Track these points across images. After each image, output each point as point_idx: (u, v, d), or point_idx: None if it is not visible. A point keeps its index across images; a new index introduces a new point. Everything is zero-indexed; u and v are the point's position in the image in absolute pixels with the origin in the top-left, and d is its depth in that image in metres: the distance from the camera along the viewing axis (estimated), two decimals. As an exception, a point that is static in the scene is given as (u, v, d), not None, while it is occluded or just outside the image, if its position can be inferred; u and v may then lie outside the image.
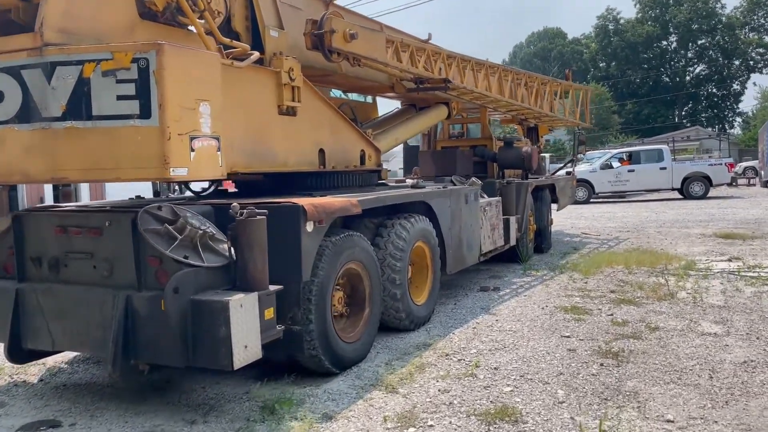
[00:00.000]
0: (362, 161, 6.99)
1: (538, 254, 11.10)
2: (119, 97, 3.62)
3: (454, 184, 8.58)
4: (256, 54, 5.13)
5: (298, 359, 4.87)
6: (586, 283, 8.26)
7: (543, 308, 6.91)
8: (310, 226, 4.61)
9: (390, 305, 5.95)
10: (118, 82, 3.61)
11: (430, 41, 9.00)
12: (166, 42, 3.67)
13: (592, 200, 24.77)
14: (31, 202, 18.71)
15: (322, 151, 6.27)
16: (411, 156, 11.41)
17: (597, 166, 24.79)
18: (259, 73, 5.44)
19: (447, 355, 5.37)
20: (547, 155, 37.63)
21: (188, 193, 6.31)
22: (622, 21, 68.42)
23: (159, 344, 4.00)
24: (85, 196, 21.12)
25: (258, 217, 4.17)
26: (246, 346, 3.94)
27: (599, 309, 6.77)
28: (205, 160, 3.93)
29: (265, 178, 6.34)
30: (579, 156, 14.76)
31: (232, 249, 4.20)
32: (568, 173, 14.50)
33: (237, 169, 5.20)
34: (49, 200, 19.15)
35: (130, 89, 3.60)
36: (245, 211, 4.14)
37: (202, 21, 4.59)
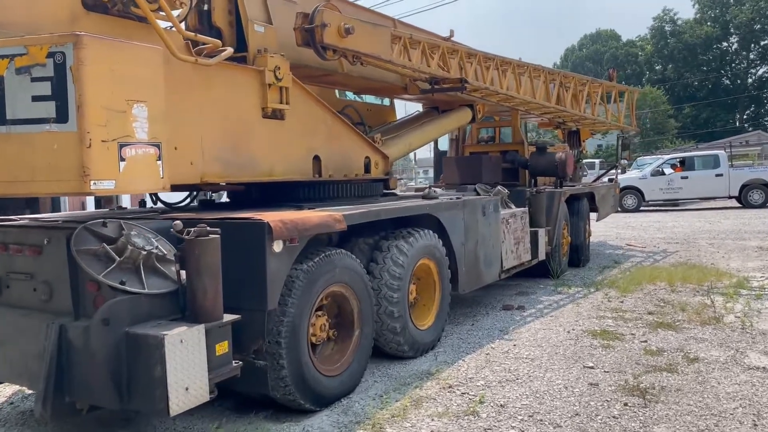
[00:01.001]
0: (367, 169, 6.38)
1: (575, 268, 10.23)
2: (34, 98, 3.10)
3: (478, 193, 7.90)
4: (228, 50, 4.57)
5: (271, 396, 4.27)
6: (622, 302, 7.43)
7: (569, 332, 6.18)
8: (278, 246, 4.01)
9: (387, 332, 5.30)
10: (33, 80, 3.09)
11: (451, 38, 8.35)
12: (85, 33, 3.13)
13: (642, 208, 23.37)
14: (73, 208, 18.66)
15: (317, 159, 5.69)
16: (441, 163, 10.73)
17: (647, 173, 23.43)
18: (238, 72, 4.90)
19: (450, 387, 4.72)
20: (597, 161, 36.18)
21: (160, 205, 5.78)
22: (679, 22, 65.92)
23: (90, 382, 3.47)
24: (126, 201, 20.99)
25: (210, 236, 3.60)
26: (187, 388, 3.36)
27: (632, 334, 6.00)
28: (140, 170, 3.38)
29: (251, 188, 5.82)
30: (623, 162, 13.74)
31: (182, 273, 3.64)
32: (610, 180, 13.52)
33: (209, 179, 4.67)
34: (90, 206, 19.04)
35: (45, 89, 3.08)
36: (192, 230, 3.58)
37: (162, 13, 4.05)
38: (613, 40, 74.40)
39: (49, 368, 3.57)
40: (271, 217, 4.06)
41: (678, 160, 23.73)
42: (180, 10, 4.31)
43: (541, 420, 4.05)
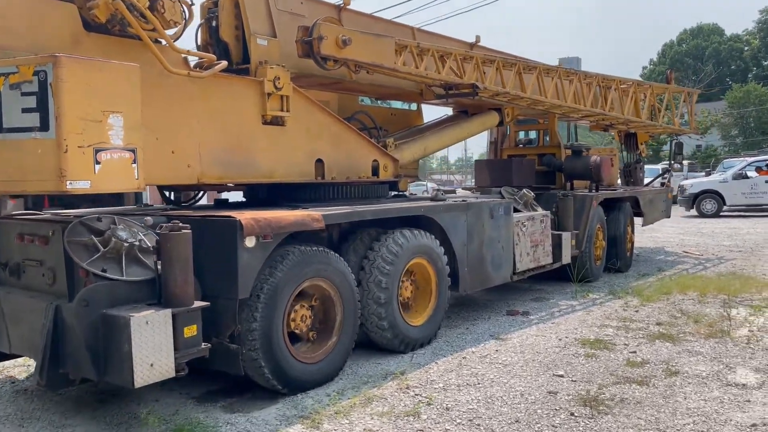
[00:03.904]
0: (375, 172, 6.69)
1: (613, 274, 10.08)
2: (24, 110, 3.66)
3: (502, 196, 8.05)
4: (222, 63, 5.03)
5: (247, 375, 4.69)
6: (637, 311, 7.31)
7: (561, 339, 6.17)
8: (250, 242, 4.42)
9: (376, 326, 5.61)
10: (23, 95, 3.65)
11: (478, 44, 8.52)
12: (63, 54, 3.65)
13: (722, 214, 22.11)
14: (154, 201, 20.00)
15: (320, 162, 6.07)
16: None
17: (729, 176, 22.16)
18: (237, 83, 5.35)
19: (408, 387, 4.88)
20: (685, 162, 34.48)
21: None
22: (789, 15, 61.62)
23: (76, 356, 4.00)
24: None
25: (181, 231, 4.06)
26: (152, 364, 3.82)
27: (625, 344, 5.93)
28: (116, 172, 3.87)
29: (258, 189, 6.29)
30: (675, 165, 13.29)
31: (158, 263, 4.12)
32: (662, 184, 13.12)
33: (206, 180, 5.15)
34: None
35: (32, 102, 3.63)
36: (165, 225, 4.05)
37: (155, 31, 4.55)
38: (715, 35, 70.32)
39: (45, 342, 4.13)
40: (246, 215, 4.47)
41: (765, 162, 22.31)
42: (175, 29, 4.81)
43: (479, 425, 4.11)
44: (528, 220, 7.78)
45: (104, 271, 3.99)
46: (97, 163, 3.74)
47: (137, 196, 6.16)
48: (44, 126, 3.60)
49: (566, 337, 6.23)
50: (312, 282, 4.96)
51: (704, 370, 5.12)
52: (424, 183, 44.92)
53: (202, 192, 6.06)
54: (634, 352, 5.69)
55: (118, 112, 3.83)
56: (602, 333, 6.36)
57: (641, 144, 13.02)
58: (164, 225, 4.06)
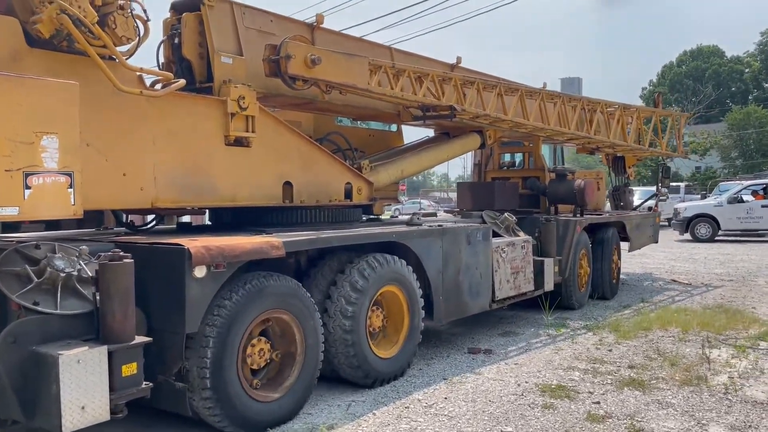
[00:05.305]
0: (348, 195, 6.43)
1: (599, 300, 9.80)
2: (-54, 131, 3.39)
3: (483, 220, 7.81)
4: (180, 82, 4.78)
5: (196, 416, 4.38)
6: (610, 350, 6.81)
7: (519, 384, 5.64)
8: (200, 271, 4.13)
9: (341, 359, 5.32)
10: (-54, 115, 3.38)
11: (459, 65, 8.32)
12: (-12, 71, 3.39)
13: (717, 238, 21.73)
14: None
15: (288, 184, 5.81)
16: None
17: (724, 200, 21.87)
18: (197, 102, 5.10)
19: None
20: (682, 184, 34.27)
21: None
22: (790, 37, 61.81)
23: (3, 397, 3.68)
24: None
25: (121, 261, 3.77)
26: (83, 407, 3.52)
27: (590, 392, 5.41)
28: (49, 198, 3.60)
29: (222, 212, 6.02)
30: (662, 189, 13.10)
31: (97, 295, 3.83)
32: (649, 209, 12.92)
33: (161, 204, 4.87)
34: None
35: (-45, 122, 3.36)
36: (103, 254, 3.76)
37: (103, 47, 4.30)
38: (715, 57, 70.47)
39: (-29, 381, 3.82)
40: (197, 243, 4.19)
41: (762, 186, 22.01)
42: (128, 46, 4.56)
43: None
44: (508, 246, 7.52)
45: (36, 303, 3.69)
46: (28, 187, 3.47)
47: (98, 219, 5.86)
48: (-33, 148, 3.33)
49: (526, 382, 5.71)
50: (270, 314, 4.67)
51: (673, 428, 4.67)
52: (419, 201, 44.73)
53: (159, 216, 5.77)
54: (598, 402, 5.17)
55: (52, 133, 3.56)
56: (567, 377, 5.85)
57: (629, 167, 12.86)
58: (103, 254, 3.77)
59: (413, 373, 6.04)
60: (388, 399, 5.34)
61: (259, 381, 4.69)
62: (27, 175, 3.47)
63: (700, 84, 63.78)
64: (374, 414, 4.99)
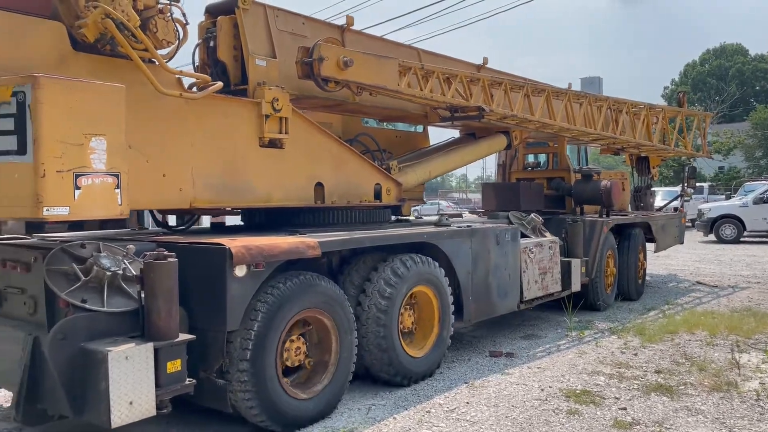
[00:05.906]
0: (378, 196, 6.48)
1: (623, 302, 9.75)
2: (1, 133, 3.48)
3: (510, 221, 7.81)
4: (218, 84, 4.86)
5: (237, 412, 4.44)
6: (636, 354, 6.72)
7: (543, 389, 5.55)
8: (240, 271, 4.20)
9: (374, 359, 5.36)
10: (0, 117, 3.47)
11: (485, 65, 8.34)
12: (42, 74, 3.48)
13: (743, 239, 21.32)
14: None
15: (320, 185, 5.86)
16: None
17: (749, 200, 21.56)
18: (233, 104, 5.18)
19: None
20: (706, 184, 33.82)
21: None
22: (817, 34, 60.76)
23: (53, 392, 3.78)
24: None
25: (165, 260, 3.85)
26: (131, 402, 3.60)
27: (617, 398, 5.32)
28: (97, 198, 3.68)
29: (254, 213, 6.10)
30: (688, 190, 13.00)
31: (142, 294, 3.91)
32: (675, 209, 12.82)
33: (199, 204, 4.95)
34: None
35: (9, 124, 3.45)
36: (148, 253, 3.84)
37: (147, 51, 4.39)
38: (739, 55, 69.48)
39: (23, 376, 3.93)
40: (237, 243, 4.26)
41: None
42: (168, 49, 4.65)
43: None
44: (536, 247, 7.52)
45: (84, 301, 3.77)
46: (77, 188, 3.55)
47: (139, 218, 5.97)
48: (21, 149, 3.42)
49: (550, 387, 5.61)
50: (307, 313, 4.73)
51: (701, 437, 4.62)
52: (437, 202, 44.57)
53: (196, 216, 5.85)
54: (625, 408, 5.08)
55: (100, 134, 3.64)
56: (592, 382, 5.76)
57: (653, 168, 12.77)
58: (148, 253, 3.85)
59: (434, 377, 6.00)
60: (408, 403, 5.29)
61: (296, 378, 4.75)
62: (77, 175, 3.55)
63: (724, 83, 63.02)
64: (395, 418, 4.94)
